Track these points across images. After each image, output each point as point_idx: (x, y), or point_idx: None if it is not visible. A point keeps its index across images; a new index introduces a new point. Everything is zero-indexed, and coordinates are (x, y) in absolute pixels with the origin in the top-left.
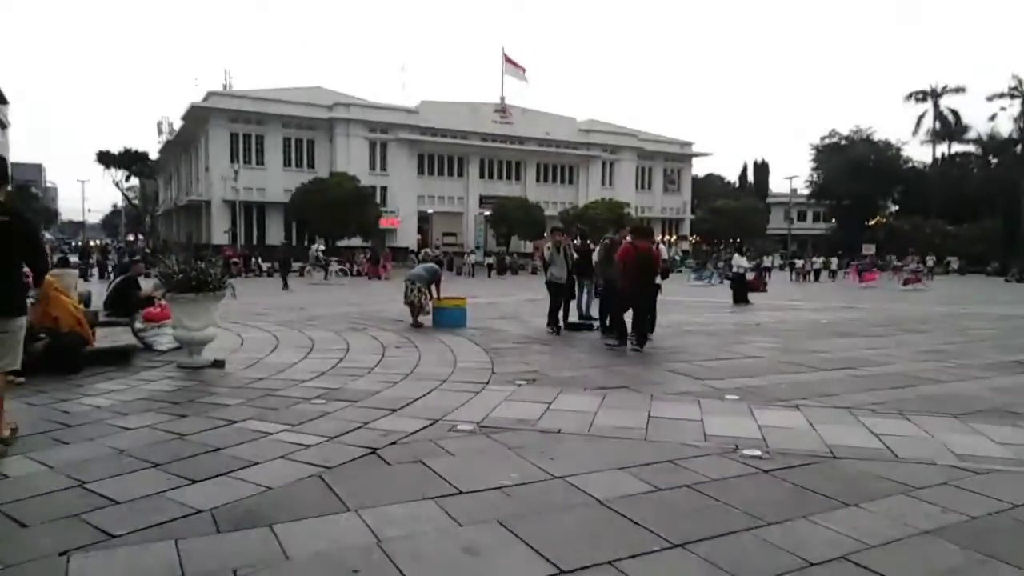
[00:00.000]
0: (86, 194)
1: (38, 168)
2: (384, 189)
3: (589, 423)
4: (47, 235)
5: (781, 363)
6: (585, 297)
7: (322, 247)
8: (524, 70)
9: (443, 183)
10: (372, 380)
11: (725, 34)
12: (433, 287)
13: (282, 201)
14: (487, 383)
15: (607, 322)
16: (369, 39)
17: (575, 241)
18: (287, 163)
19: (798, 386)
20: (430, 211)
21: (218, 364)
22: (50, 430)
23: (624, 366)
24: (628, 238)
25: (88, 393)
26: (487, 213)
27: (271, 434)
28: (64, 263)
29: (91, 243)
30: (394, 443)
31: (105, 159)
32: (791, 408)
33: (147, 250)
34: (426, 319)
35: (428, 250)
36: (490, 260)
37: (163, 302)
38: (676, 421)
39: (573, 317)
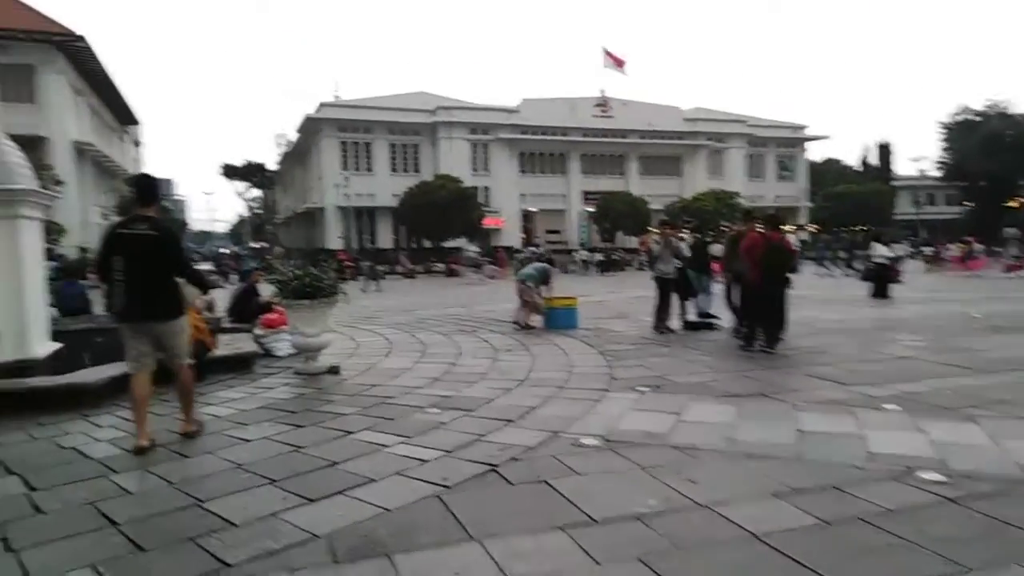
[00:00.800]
0: (212, 205)
1: (169, 183)
2: (487, 189)
3: (728, 437)
4: None
5: (938, 364)
6: (702, 293)
7: (476, 248)
8: (624, 64)
9: (545, 181)
10: (486, 387)
11: (834, 7)
12: (544, 287)
13: (390, 205)
14: (607, 390)
15: (740, 321)
16: (469, 40)
17: (684, 233)
18: (394, 168)
19: (965, 392)
20: (533, 209)
21: (334, 370)
22: (171, 443)
23: (756, 370)
24: (758, 228)
25: (210, 402)
26: (590, 209)
27: (387, 447)
28: None
29: (222, 251)
30: (514, 459)
31: (229, 171)
32: (964, 420)
33: (267, 256)
34: (537, 320)
35: (532, 248)
36: (598, 256)
37: (281, 308)
38: (830, 436)
39: (690, 315)
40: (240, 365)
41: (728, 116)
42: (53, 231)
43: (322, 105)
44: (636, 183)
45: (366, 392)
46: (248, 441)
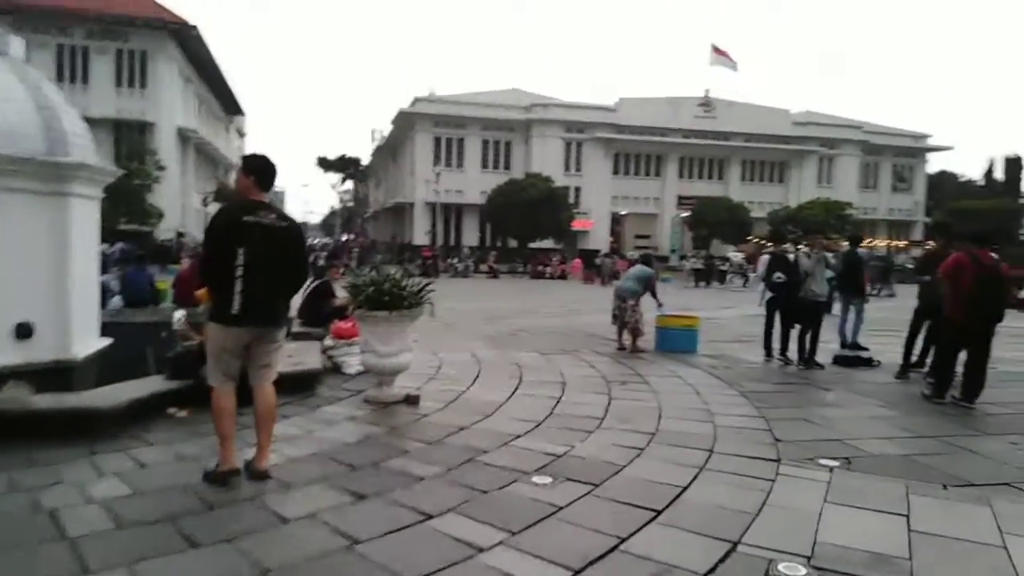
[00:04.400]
0: (306, 197)
1: None
2: (578, 190)
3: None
4: None
5: None
6: (852, 320)
7: (739, 253)
8: (732, 60)
9: (638, 183)
10: (606, 441)
11: (959, 12)
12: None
13: (478, 203)
14: (777, 461)
15: (928, 364)
16: (566, 38)
17: (824, 245)
18: (484, 165)
19: None
20: (623, 212)
21: (412, 401)
22: (186, 512)
23: (965, 435)
24: (968, 247)
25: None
26: (685, 214)
27: (480, 551)
28: None
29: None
30: None
31: (324, 164)
32: None
33: (355, 249)
34: (646, 340)
35: (634, 252)
36: (694, 263)
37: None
38: None
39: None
40: (302, 385)
41: (841, 121)
42: (152, 214)
43: (416, 100)
44: (737, 189)
45: (451, 438)
46: (286, 522)
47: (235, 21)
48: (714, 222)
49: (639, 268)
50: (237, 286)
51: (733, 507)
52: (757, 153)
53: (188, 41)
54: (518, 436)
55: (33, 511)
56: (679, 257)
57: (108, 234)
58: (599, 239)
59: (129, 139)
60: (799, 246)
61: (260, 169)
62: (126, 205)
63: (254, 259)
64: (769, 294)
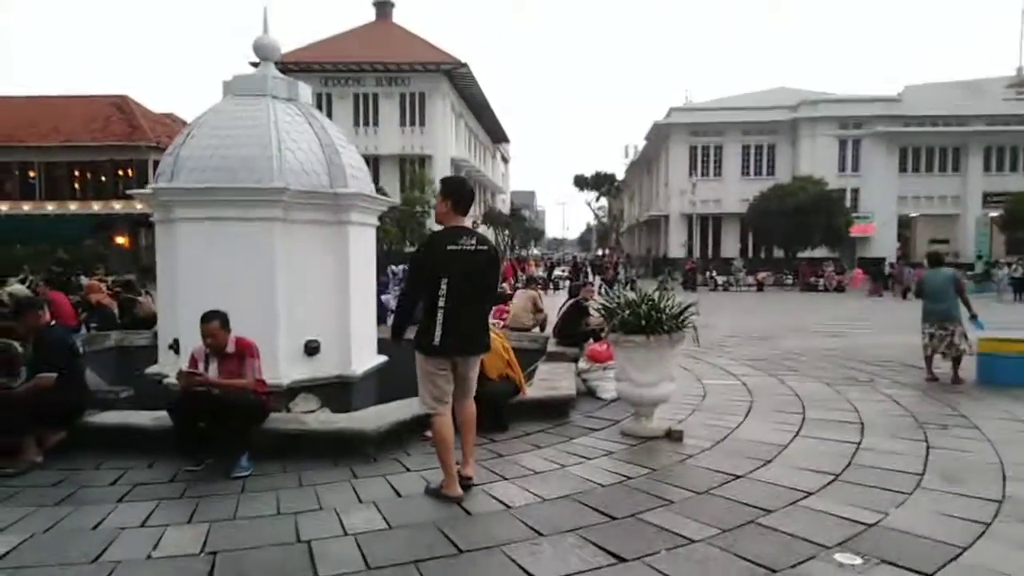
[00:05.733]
0: (565, 214)
1: (531, 195)
2: (855, 192)
3: None
4: (535, 251)
5: None
6: None
7: None
8: None
9: (931, 181)
10: (931, 507)
11: None
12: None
13: (739, 212)
14: None
15: None
16: (840, 27)
17: None
18: (745, 171)
19: None
20: (913, 214)
21: (674, 436)
22: (433, 556)
23: None
24: None
25: (499, 474)
26: (994, 214)
27: None
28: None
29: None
30: None
31: (580, 182)
32: None
33: (607, 264)
34: (965, 370)
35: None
36: (1016, 272)
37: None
38: None
39: None
40: (555, 411)
41: None
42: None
43: (672, 110)
44: None
45: (723, 489)
46: None
47: (500, 53)
48: None
49: (939, 275)
50: (439, 316)
51: None
52: None
53: (459, 79)
54: (809, 493)
55: (292, 541)
56: (985, 264)
57: (398, 258)
58: (883, 245)
59: (411, 172)
60: None
61: (457, 192)
62: (410, 231)
63: (457, 287)
64: None
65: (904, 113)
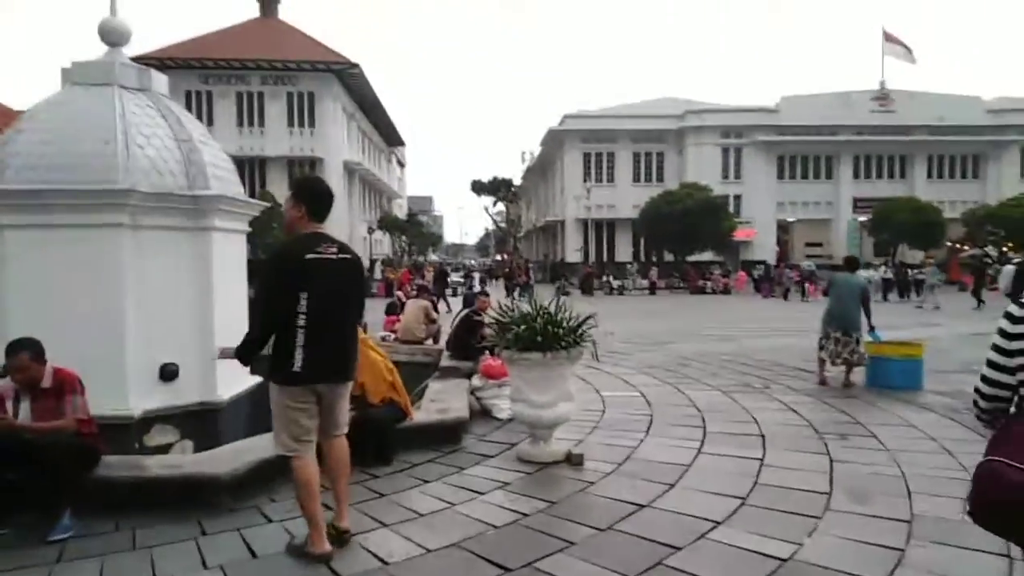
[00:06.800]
0: (463, 220)
1: (429, 200)
2: (738, 198)
3: None
4: (432, 256)
5: None
6: None
7: (930, 260)
8: (909, 49)
9: (807, 187)
10: (844, 532)
11: None
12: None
13: (631, 217)
14: None
15: None
16: (722, 40)
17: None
18: (636, 178)
19: None
20: (791, 219)
21: (574, 461)
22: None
23: None
24: None
25: (377, 520)
26: (863, 218)
27: None
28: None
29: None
30: None
31: (477, 187)
32: None
33: (506, 270)
34: (856, 373)
35: (809, 264)
36: (886, 274)
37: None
38: None
39: None
40: (445, 437)
41: None
42: None
43: (565, 117)
44: (923, 187)
45: (627, 522)
46: None
47: (392, 57)
48: (898, 226)
49: (851, 281)
50: (299, 338)
51: None
52: (945, 147)
53: (351, 79)
54: (716, 524)
55: None
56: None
57: None
58: (764, 249)
59: (301, 174)
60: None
61: (312, 194)
62: None
63: (319, 303)
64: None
65: (781, 123)
